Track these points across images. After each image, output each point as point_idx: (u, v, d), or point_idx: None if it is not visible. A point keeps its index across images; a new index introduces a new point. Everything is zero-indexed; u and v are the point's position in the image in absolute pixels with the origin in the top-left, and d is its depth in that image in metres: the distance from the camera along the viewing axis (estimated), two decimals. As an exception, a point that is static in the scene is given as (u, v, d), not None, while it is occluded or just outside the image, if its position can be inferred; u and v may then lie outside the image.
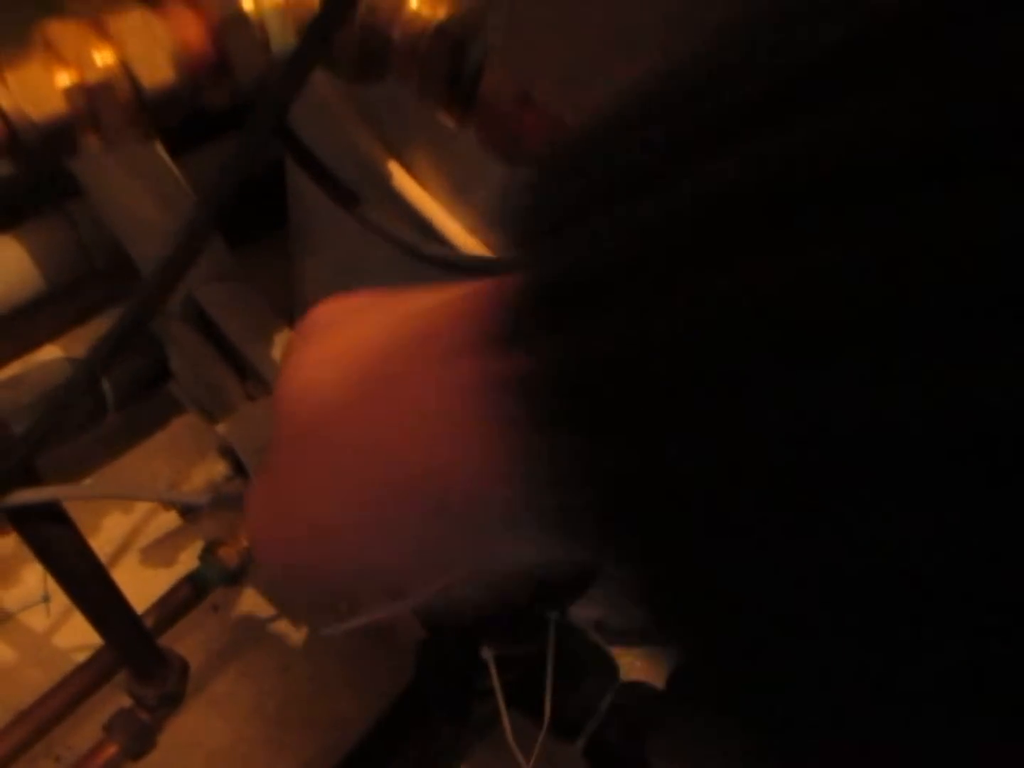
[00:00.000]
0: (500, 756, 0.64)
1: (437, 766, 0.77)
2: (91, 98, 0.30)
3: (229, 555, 0.63)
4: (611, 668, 0.75)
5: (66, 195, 0.86)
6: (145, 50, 0.31)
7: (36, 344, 1.13)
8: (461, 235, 0.50)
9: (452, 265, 0.48)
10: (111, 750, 0.58)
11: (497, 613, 0.59)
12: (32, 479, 0.39)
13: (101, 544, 0.93)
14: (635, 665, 0.94)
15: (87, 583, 0.46)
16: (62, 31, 0.30)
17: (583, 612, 0.91)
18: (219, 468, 0.75)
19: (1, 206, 0.90)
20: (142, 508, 0.97)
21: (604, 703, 0.71)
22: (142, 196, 0.69)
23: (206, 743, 0.81)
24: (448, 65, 0.35)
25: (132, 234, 0.76)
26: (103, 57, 0.30)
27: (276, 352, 0.78)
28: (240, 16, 0.33)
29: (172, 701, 0.59)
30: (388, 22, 0.36)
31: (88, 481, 1.00)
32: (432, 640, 0.68)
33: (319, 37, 0.33)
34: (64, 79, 0.30)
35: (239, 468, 0.77)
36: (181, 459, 1.04)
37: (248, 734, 0.82)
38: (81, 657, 0.70)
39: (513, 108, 0.33)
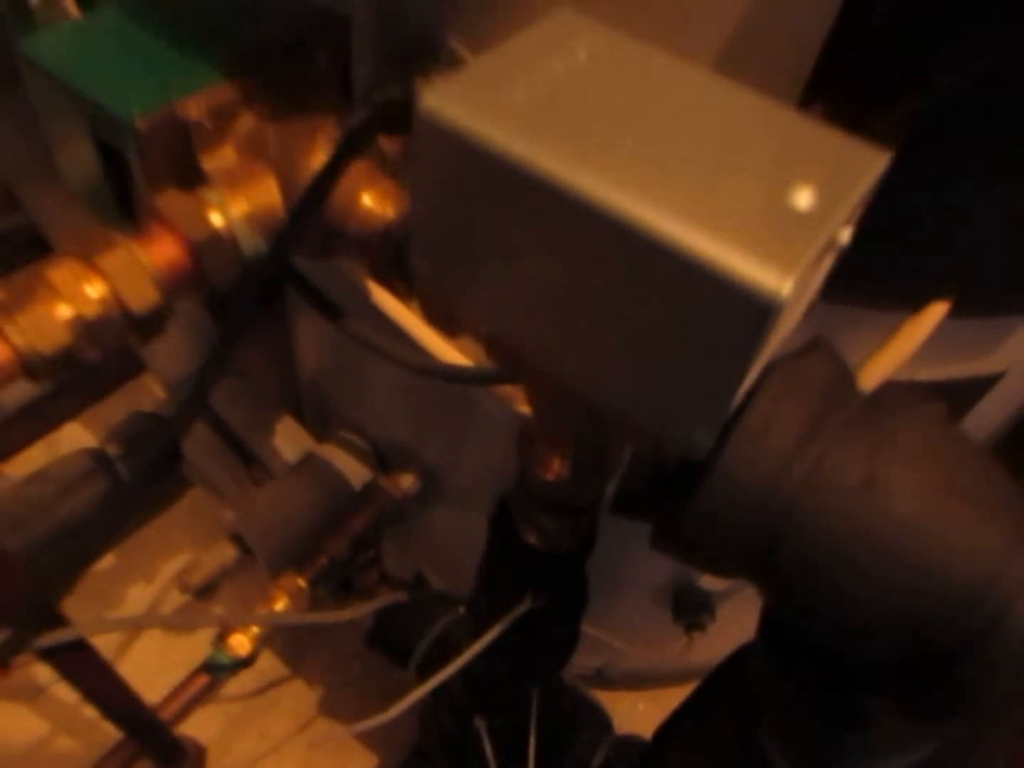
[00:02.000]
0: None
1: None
2: (88, 327, 0.35)
3: (241, 643, 0.68)
4: (604, 722, 0.80)
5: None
6: (132, 280, 0.36)
7: (58, 422, 1.20)
8: (440, 345, 0.55)
9: (425, 371, 0.53)
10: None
11: (485, 687, 0.64)
12: (57, 619, 0.45)
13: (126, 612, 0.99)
14: (637, 708, 0.99)
15: (110, 699, 0.51)
16: (59, 272, 0.35)
17: (585, 661, 0.96)
18: (229, 553, 0.81)
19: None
20: (162, 580, 1.03)
21: (597, 759, 0.76)
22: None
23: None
24: (393, 257, 0.40)
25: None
26: (96, 290, 0.36)
27: (278, 440, 0.83)
28: (212, 231, 0.39)
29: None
30: (343, 219, 0.41)
31: (110, 556, 1.06)
32: (431, 711, 0.74)
33: (287, 244, 0.39)
34: (65, 312, 0.35)
35: (247, 550, 0.82)
36: (199, 527, 1.10)
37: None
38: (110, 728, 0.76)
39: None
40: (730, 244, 0.24)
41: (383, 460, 0.83)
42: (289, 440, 0.83)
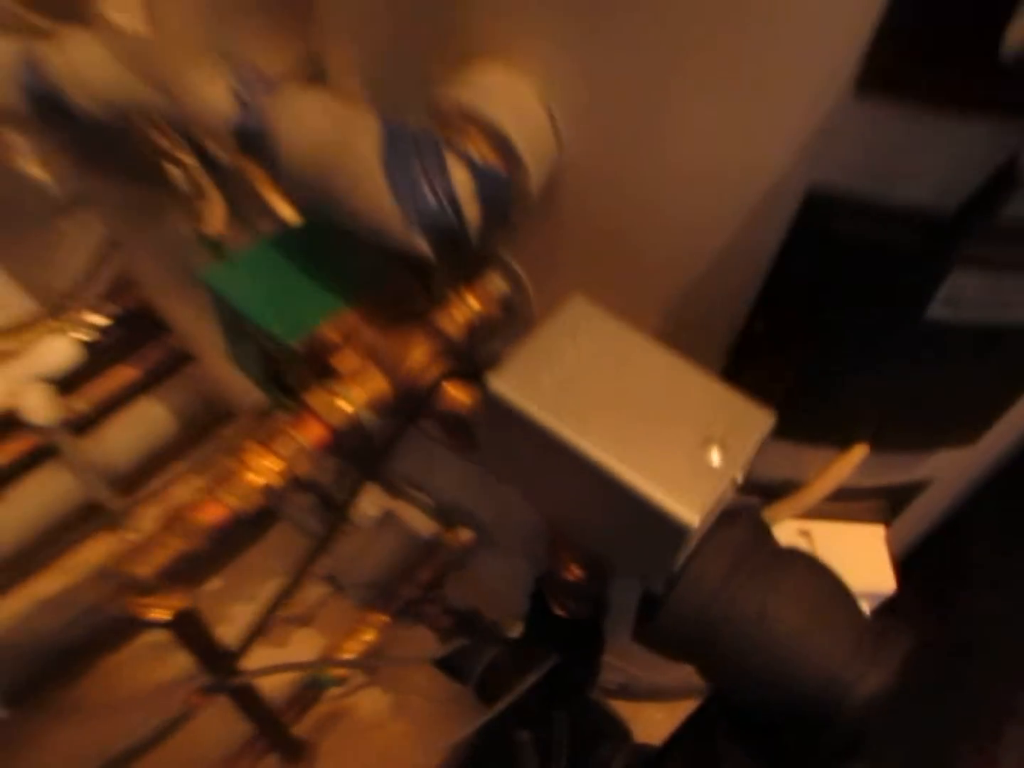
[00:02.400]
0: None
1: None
2: (272, 490, 0.55)
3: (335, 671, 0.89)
4: (623, 732, 0.98)
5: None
6: (297, 457, 0.55)
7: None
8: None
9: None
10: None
11: (527, 709, 0.83)
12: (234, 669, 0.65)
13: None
14: (655, 717, 1.17)
15: (255, 709, 0.71)
16: (250, 455, 0.55)
17: (611, 678, 1.14)
18: (324, 590, 1.01)
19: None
20: (262, 601, 1.24)
21: (617, 763, 0.95)
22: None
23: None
24: (462, 427, 0.59)
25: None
26: (276, 466, 0.55)
27: (362, 500, 1.03)
28: (344, 416, 0.58)
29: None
30: (436, 401, 0.60)
31: (216, 580, 1.26)
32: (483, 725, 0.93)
33: (405, 425, 0.58)
34: (258, 482, 0.55)
35: (339, 587, 1.03)
36: (289, 557, 1.31)
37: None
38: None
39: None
40: (669, 492, 0.42)
41: (447, 517, 1.02)
42: (371, 499, 1.02)
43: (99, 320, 1.04)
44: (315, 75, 0.66)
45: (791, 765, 0.51)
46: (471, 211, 0.49)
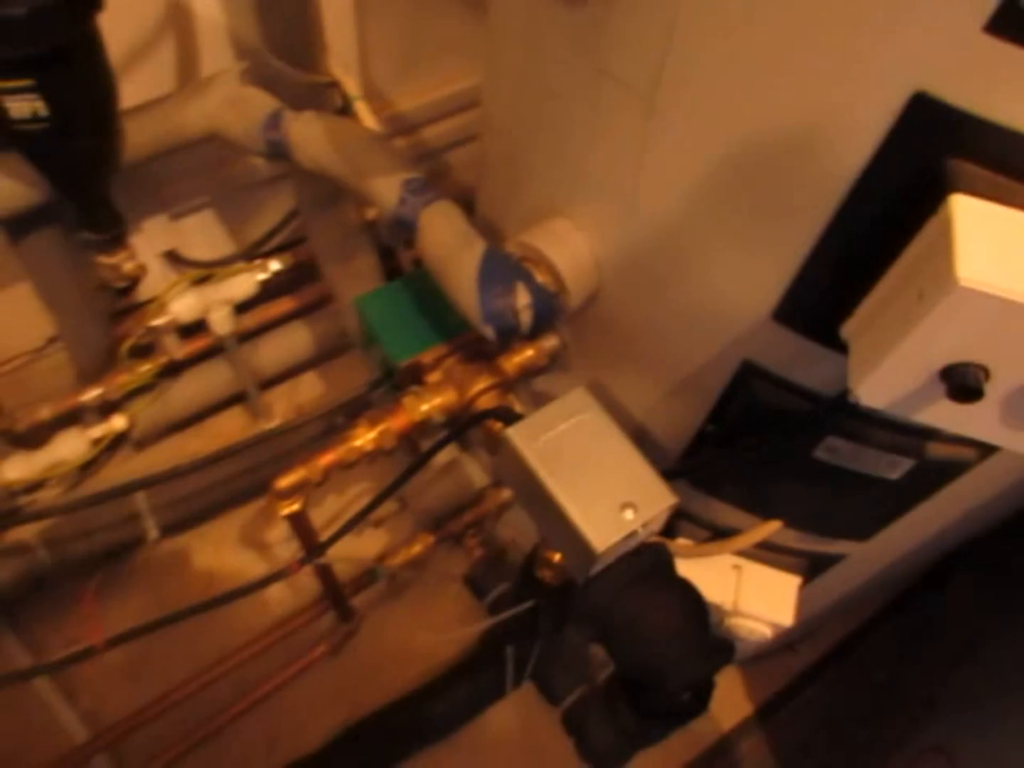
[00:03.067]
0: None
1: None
2: (365, 453, 0.85)
3: (392, 564, 1.21)
4: (585, 672, 1.28)
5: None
6: (386, 436, 0.85)
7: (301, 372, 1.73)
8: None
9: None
10: (320, 649, 1.19)
11: (514, 630, 1.14)
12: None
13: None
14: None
15: (328, 581, 1.04)
16: (362, 428, 0.85)
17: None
18: (393, 507, 1.33)
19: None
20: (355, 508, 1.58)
21: (577, 691, 1.25)
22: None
23: (370, 654, 1.41)
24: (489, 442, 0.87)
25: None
26: (372, 435, 0.85)
27: (436, 448, 1.33)
28: (422, 413, 0.87)
29: (352, 635, 1.19)
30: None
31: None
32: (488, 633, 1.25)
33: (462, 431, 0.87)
34: (360, 445, 0.85)
35: (405, 508, 1.34)
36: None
37: (385, 648, 1.43)
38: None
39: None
40: (591, 529, 0.69)
41: (497, 478, 1.32)
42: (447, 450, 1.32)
43: (275, 265, 1.37)
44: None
45: (643, 713, 0.79)
46: (525, 318, 0.76)
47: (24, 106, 0.72)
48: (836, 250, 0.61)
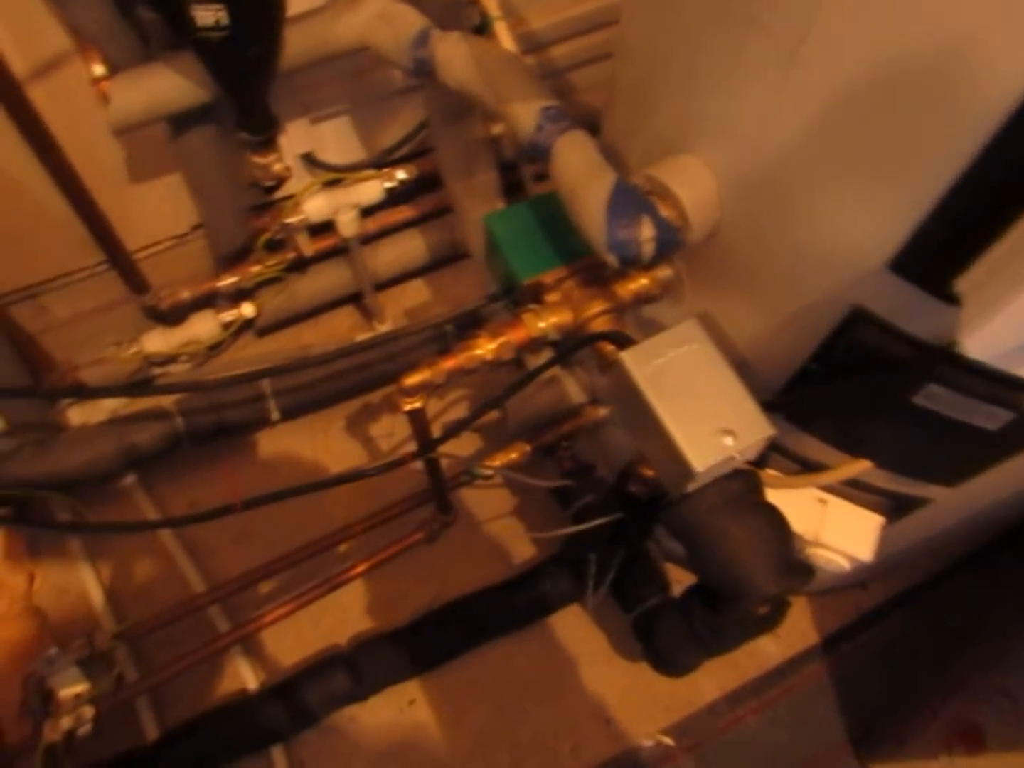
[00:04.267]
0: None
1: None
2: (489, 362, 0.92)
3: (486, 467, 1.30)
4: (663, 583, 1.36)
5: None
6: (503, 348, 0.92)
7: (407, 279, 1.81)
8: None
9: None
10: (418, 536, 1.30)
11: (598, 538, 1.22)
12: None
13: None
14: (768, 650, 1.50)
15: (435, 474, 1.14)
16: (485, 336, 0.92)
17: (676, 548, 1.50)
18: (496, 416, 1.41)
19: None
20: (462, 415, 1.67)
21: (653, 600, 1.33)
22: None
23: (462, 545, 1.53)
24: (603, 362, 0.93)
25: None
26: (492, 346, 0.92)
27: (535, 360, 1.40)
28: (539, 329, 0.93)
29: (448, 525, 1.30)
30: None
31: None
32: (570, 542, 1.33)
33: (570, 351, 0.93)
34: (480, 354, 0.92)
35: (504, 416, 1.42)
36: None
37: (475, 542, 1.54)
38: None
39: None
40: (691, 450, 0.75)
41: (594, 396, 1.38)
42: (546, 363, 1.39)
43: (401, 174, 1.43)
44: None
45: (722, 621, 0.86)
46: (647, 250, 0.81)
47: (208, 15, 0.79)
48: (965, 200, 0.62)
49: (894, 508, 1.05)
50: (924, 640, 1.44)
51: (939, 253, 0.66)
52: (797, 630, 1.49)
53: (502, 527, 1.55)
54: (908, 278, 0.70)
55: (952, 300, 0.67)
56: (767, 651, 1.46)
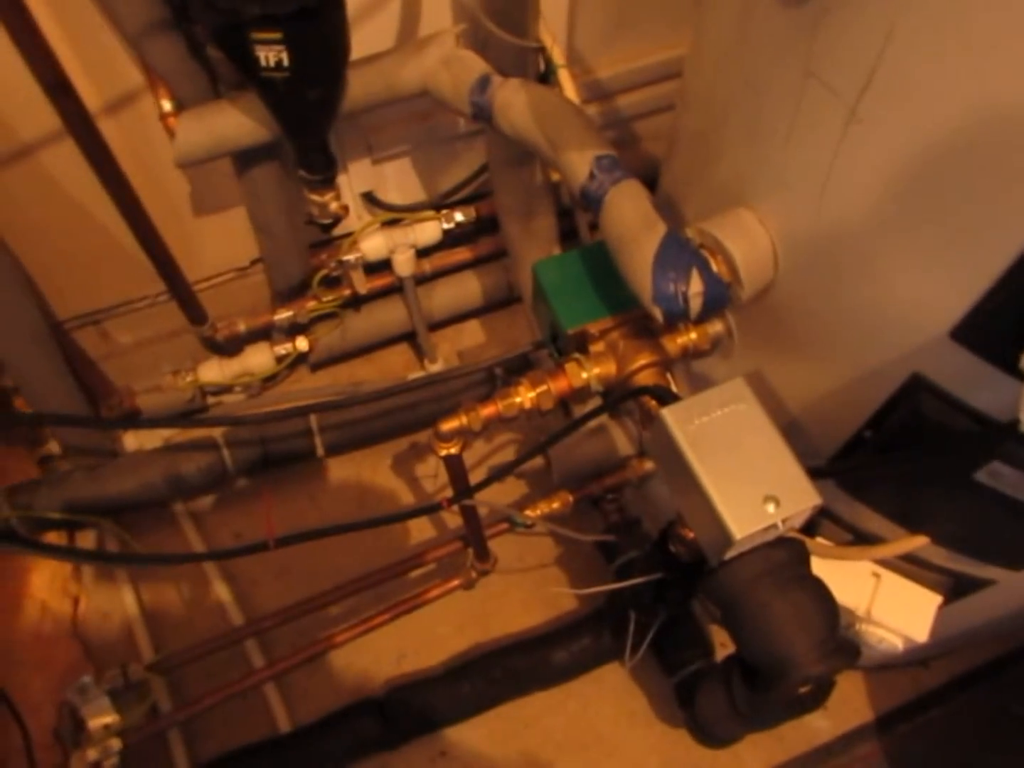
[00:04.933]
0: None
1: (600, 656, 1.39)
2: (528, 411, 0.90)
3: (527, 517, 1.27)
4: (707, 645, 1.31)
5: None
6: (545, 397, 0.90)
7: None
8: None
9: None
10: (455, 582, 1.27)
11: (640, 597, 1.18)
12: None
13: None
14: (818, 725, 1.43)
15: (472, 522, 1.12)
16: (525, 386, 0.90)
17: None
18: (539, 464, 1.39)
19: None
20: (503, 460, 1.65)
21: (695, 665, 1.28)
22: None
23: (501, 592, 1.50)
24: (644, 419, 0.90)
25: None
26: (532, 395, 0.90)
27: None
28: (582, 381, 0.91)
29: (486, 573, 1.27)
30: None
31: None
32: (613, 598, 1.29)
33: (617, 403, 0.91)
34: (519, 403, 0.90)
35: (549, 464, 1.40)
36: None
37: (514, 591, 1.51)
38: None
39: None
40: (732, 516, 0.71)
41: (643, 448, 1.35)
42: (595, 412, 1.36)
43: (460, 216, 1.44)
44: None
45: (762, 698, 0.82)
46: (695, 305, 0.78)
47: (271, 56, 0.80)
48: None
49: (954, 588, 0.98)
50: (986, 727, 1.35)
51: (1003, 323, 0.62)
52: (850, 706, 1.41)
53: (543, 578, 1.52)
54: (971, 348, 0.66)
55: (1016, 373, 0.63)
56: (816, 726, 1.39)
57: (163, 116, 1.04)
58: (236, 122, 0.99)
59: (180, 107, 1.03)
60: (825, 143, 0.67)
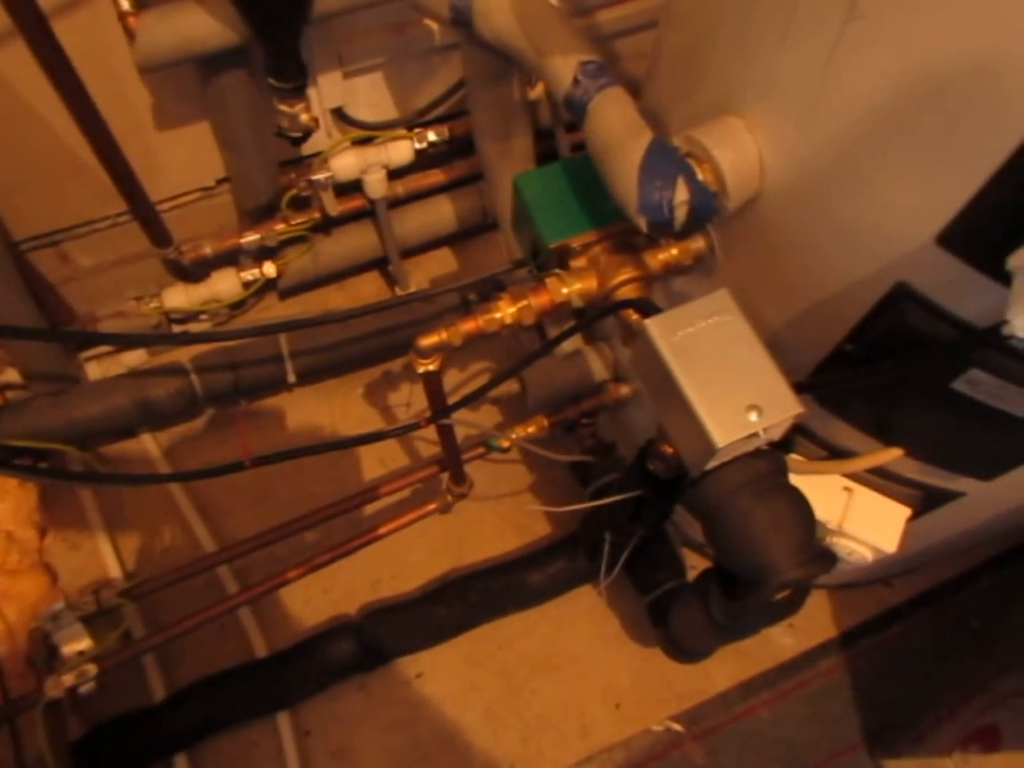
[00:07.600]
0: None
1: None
2: (510, 323, 0.89)
3: (502, 440, 1.27)
4: (680, 567, 1.33)
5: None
6: (525, 311, 0.89)
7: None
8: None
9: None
10: (431, 506, 1.27)
11: (615, 518, 1.19)
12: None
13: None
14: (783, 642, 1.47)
15: (449, 443, 1.11)
16: (507, 299, 0.89)
17: (698, 535, 1.47)
18: (514, 388, 1.38)
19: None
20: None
21: (669, 584, 1.30)
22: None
23: (476, 519, 1.51)
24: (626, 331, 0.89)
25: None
26: (512, 309, 0.89)
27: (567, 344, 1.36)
28: (562, 296, 0.90)
29: (462, 497, 1.27)
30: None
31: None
32: (587, 519, 1.30)
33: (593, 321, 0.90)
34: (508, 317, 0.89)
35: (524, 388, 1.39)
36: (505, 360, 1.67)
37: (489, 516, 1.52)
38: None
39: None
40: (715, 424, 0.71)
41: (617, 373, 1.34)
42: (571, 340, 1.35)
43: (433, 136, 1.40)
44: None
45: (740, 606, 0.83)
46: (680, 214, 0.77)
47: (238, -51, 0.76)
48: (1021, 174, 0.58)
49: (924, 501, 1.00)
50: (945, 640, 1.40)
51: (990, 227, 0.62)
52: (815, 624, 1.45)
53: (517, 504, 1.53)
54: (957, 253, 0.66)
55: (1000, 278, 0.63)
56: (782, 643, 1.43)
57: (122, 15, 0.98)
58: (202, 22, 0.94)
59: (141, 5, 0.97)
60: (821, 42, 0.66)
